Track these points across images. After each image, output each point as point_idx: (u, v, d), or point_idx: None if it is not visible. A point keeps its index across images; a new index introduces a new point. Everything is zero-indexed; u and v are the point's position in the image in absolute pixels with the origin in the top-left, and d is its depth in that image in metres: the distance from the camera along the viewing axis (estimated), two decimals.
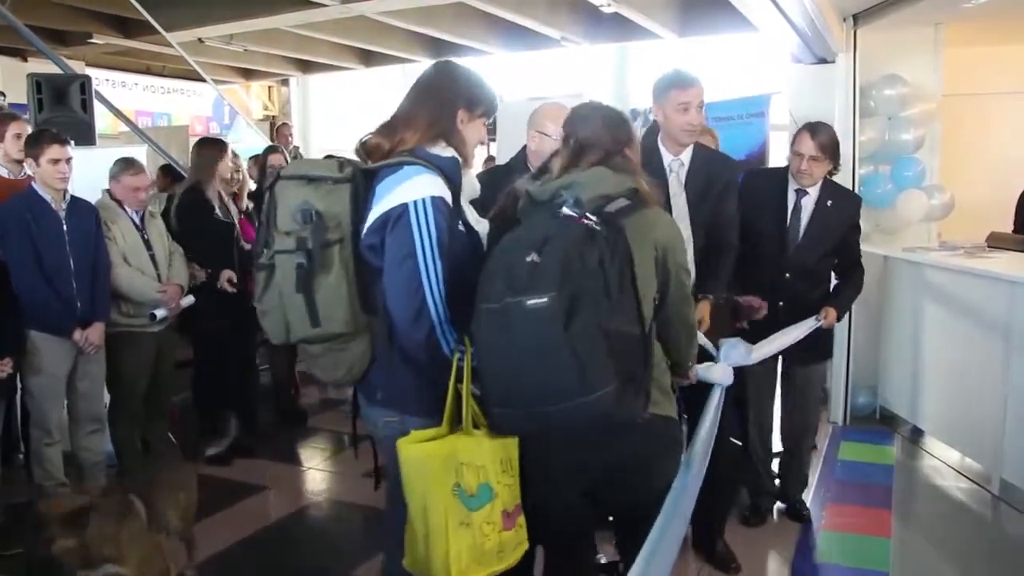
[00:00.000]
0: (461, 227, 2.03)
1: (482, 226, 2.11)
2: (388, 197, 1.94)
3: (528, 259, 1.74)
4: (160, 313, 4.00)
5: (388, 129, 2.08)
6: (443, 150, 2.05)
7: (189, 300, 4.20)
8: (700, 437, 2.23)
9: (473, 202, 2.16)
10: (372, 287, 2.00)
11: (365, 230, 1.97)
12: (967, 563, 3.56)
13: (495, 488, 1.91)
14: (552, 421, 1.80)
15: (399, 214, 1.92)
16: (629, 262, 1.86)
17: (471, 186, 2.12)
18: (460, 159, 2.07)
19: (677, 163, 3.08)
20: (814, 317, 3.45)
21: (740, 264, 3.43)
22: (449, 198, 1.99)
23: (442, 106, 2.06)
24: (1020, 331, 3.95)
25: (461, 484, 1.87)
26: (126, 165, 4.02)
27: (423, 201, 1.92)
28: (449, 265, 1.94)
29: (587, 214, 1.84)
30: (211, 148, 4.70)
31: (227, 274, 4.44)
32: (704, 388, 2.50)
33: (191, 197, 4.55)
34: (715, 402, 2.44)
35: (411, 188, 1.93)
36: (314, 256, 1.92)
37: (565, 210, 1.86)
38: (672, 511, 1.88)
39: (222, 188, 4.70)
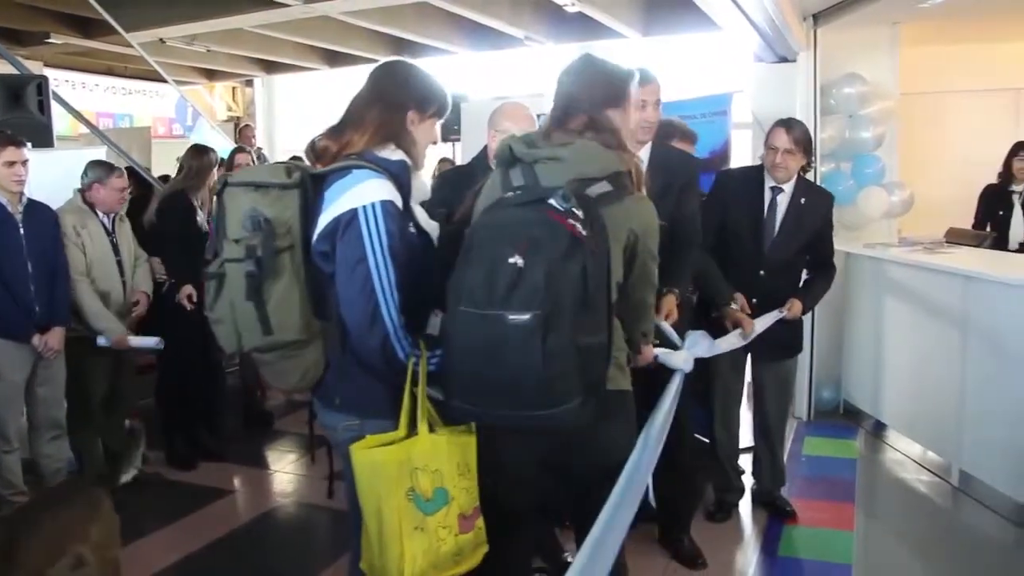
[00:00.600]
0: (412, 229, 2.01)
1: (431, 226, 2.08)
2: (337, 202, 1.91)
3: (511, 260, 1.69)
4: (102, 341, 3.92)
5: (336, 131, 2.05)
6: (392, 153, 2.02)
7: (150, 343, 4.08)
8: (657, 420, 2.22)
9: (436, 202, 2.14)
10: (325, 293, 1.97)
11: (315, 236, 1.94)
12: (928, 554, 3.62)
13: (451, 492, 1.89)
14: (509, 423, 1.79)
15: (349, 219, 1.89)
16: (608, 266, 1.84)
17: (421, 188, 2.09)
18: (409, 162, 2.04)
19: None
20: (778, 309, 3.49)
21: (715, 262, 3.46)
22: (399, 202, 1.96)
23: (391, 107, 2.03)
24: (976, 325, 4.03)
25: (416, 488, 1.85)
26: (109, 169, 4.04)
27: (373, 206, 1.89)
28: (401, 269, 1.91)
29: (572, 209, 1.77)
30: (208, 157, 4.69)
31: (187, 290, 4.40)
32: (665, 375, 2.51)
33: (176, 200, 4.52)
34: (674, 387, 2.44)
35: (360, 193, 1.91)
36: (264, 264, 1.88)
37: (552, 202, 1.79)
38: (624, 490, 1.87)
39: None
